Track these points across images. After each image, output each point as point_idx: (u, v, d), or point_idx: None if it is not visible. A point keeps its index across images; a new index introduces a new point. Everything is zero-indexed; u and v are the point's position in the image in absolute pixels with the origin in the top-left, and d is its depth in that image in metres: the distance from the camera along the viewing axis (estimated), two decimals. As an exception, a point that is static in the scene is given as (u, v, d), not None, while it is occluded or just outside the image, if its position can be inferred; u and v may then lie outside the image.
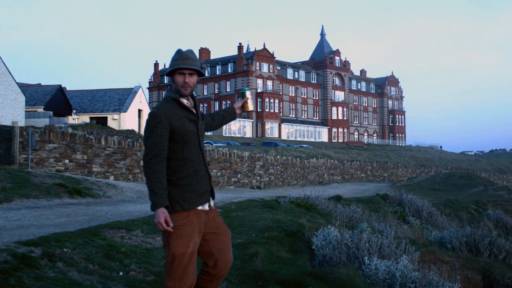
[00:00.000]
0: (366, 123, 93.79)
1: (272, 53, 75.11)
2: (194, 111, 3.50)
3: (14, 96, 26.67)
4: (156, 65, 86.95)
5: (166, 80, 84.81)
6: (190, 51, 3.50)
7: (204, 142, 4.12)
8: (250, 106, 3.98)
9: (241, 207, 10.76)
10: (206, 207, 3.48)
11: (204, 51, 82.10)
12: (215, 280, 3.57)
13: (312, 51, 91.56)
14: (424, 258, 7.44)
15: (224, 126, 58.52)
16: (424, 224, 13.85)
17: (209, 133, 54.42)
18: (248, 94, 4.03)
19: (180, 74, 3.43)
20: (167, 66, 78.35)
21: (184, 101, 3.47)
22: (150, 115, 3.39)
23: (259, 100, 72.09)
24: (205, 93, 78.88)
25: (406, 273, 5.54)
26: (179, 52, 3.48)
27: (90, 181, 15.06)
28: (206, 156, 3.56)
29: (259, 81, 73.26)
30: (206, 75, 75.63)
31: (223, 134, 65.54)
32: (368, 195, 21.37)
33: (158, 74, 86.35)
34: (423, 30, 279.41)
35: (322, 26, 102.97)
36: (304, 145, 61.29)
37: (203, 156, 3.50)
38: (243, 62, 73.01)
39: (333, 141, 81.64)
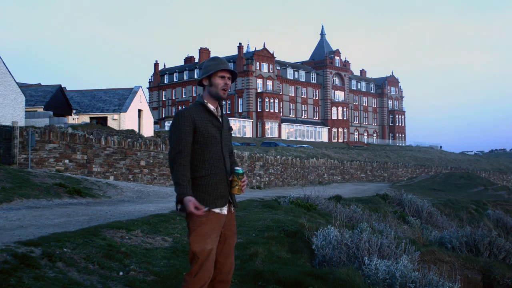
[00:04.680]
0: (366, 123, 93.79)
1: (272, 53, 75.11)
2: (220, 119, 3.60)
3: (14, 96, 26.66)
4: (156, 65, 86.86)
5: (166, 80, 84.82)
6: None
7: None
8: (235, 189, 3.55)
9: (241, 207, 10.77)
10: (225, 211, 3.53)
11: (204, 51, 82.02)
12: (219, 284, 3.59)
13: (312, 51, 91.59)
14: (424, 258, 7.44)
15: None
16: (424, 224, 13.85)
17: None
18: (240, 177, 3.52)
19: (221, 78, 3.57)
20: (167, 66, 77.02)
21: (211, 107, 3.58)
22: (176, 114, 3.53)
23: (259, 100, 72.11)
24: (205, 93, 78.73)
25: (406, 273, 5.54)
26: (216, 58, 3.63)
27: (90, 181, 15.06)
28: (228, 163, 3.61)
29: (259, 81, 73.25)
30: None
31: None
32: (368, 195, 21.37)
33: (158, 74, 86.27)
34: (423, 30, 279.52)
35: (322, 26, 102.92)
36: (304, 145, 61.27)
37: (225, 162, 3.55)
38: (243, 62, 73.01)
39: (333, 141, 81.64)
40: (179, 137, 3.42)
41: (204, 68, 3.62)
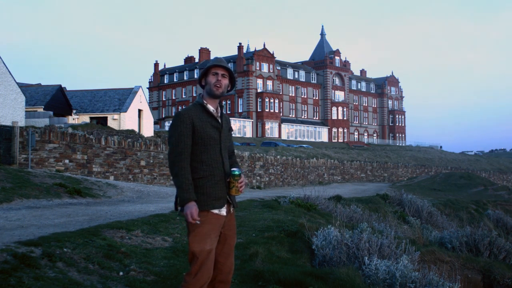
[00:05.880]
0: (366, 123, 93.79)
1: (272, 53, 75.10)
2: (219, 120, 3.58)
3: (14, 96, 26.66)
4: (156, 65, 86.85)
5: (166, 80, 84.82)
6: (223, 59, 3.71)
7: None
8: (233, 190, 3.53)
9: (241, 207, 10.76)
10: (223, 212, 3.52)
11: (204, 51, 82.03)
12: (219, 284, 3.59)
13: (312, 51, 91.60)
14: (424, 258, 7.44)
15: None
16: (424, 224, 13.85)
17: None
18: (237, 178, 3.50)
19: (213, 75, 3.57)
20: (167, 66, 77.16)
21: (211, 108, 3.57)
22: (174, 115, 3.53)
23: (259, 100, 72.10)
24: (205, 93, 78.77)
25: (406, 273, 5.54)
26: (214, 58, 3.68)
27: (90, 181, 15.06)
28: (227, 164, 3.60)
29: (259, 81, 73.25)
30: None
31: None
32: (368, 195, 21.36)
33: (158, 74, 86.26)
34: (423, 30, 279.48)
35: (322, 26, 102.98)
36: (304, 145, 61.27)
37: (223, 163, 3.54)
38: (243, 62, 73.00)
39: (333, 141, 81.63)
40: (178, 139, 3.41)
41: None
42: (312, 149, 56.89)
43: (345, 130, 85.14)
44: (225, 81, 3.59)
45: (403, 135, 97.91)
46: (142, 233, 6.91)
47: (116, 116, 35.55)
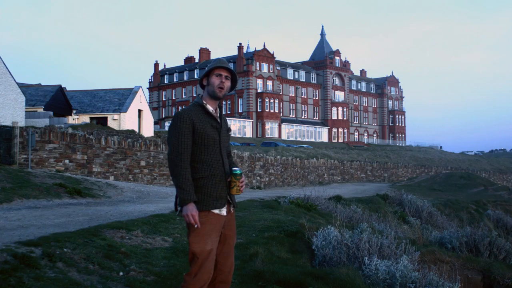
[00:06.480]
0: (366, 123, 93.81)
1: (272, 53, 75.12)
2: (219, 120, 3.59)
3: (14, 96, 26.66)
4: (156, 65, 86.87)
5: (166, 80, 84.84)
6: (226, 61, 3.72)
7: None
8: (234, 190, 3.54)
9: (241, 207, 10.75)
10: (224, 212, 3.52)
11: (204, 51, 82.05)
12: (220, 284, 3.59)
13: (312, 51, 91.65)
14: (424, 258, 7.44)
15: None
16: (424, 224, 13.85)
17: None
18: (238, 177, 3.52)
19: (217, 76, 3.58)
20: (167, 66, 77.08)
21: (210, 108, 3.57)
22: (174, 115, 3.53)
23: (259, 100, 72.10)
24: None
25: (406, 273, 5.54)
26: (217, 59, 3.68)
27: (90, 181, 15.05)
28: (227, 164, 3.60)
29: (259, 81, 73.26)
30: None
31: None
32: (368, 195, 21.35)
33: (158, 74, 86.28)
34: (423, 30, 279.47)
35: (322, 26, 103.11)
36: (304, 145, 61.28)
37: (223, 163, 3.55)
38: (243, 62, 73.01)
39: (333, 141, 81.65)
40: (178, 139, 3.41)
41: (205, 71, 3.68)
42: (312, 149, 56.89)
43: (345, 130, 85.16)
44: (228, 83, 3.62)
45: (403, 135, 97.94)
46: (142, 233, 6.91)
47: (116, 116, 35.56)
